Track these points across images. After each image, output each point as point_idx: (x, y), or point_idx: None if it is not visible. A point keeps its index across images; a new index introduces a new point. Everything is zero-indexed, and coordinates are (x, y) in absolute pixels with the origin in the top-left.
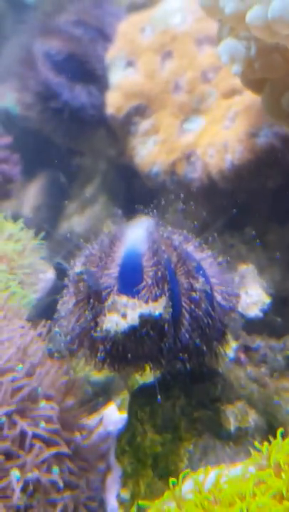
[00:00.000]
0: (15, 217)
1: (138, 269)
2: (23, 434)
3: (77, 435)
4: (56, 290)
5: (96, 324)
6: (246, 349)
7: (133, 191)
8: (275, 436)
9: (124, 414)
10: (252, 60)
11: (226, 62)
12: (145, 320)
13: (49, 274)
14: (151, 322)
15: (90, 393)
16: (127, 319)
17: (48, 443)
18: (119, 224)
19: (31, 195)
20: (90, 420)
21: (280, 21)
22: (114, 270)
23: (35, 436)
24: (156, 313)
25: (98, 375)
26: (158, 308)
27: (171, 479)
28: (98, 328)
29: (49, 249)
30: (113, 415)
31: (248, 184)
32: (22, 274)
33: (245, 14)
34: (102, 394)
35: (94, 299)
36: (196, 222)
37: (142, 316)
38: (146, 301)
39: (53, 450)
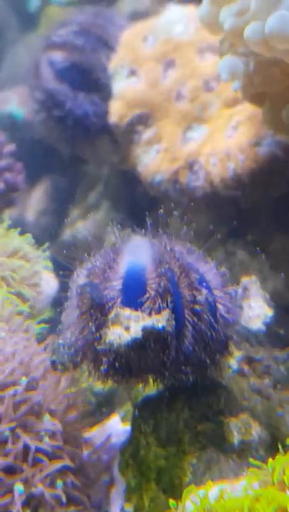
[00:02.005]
0: (18, 223)
1: (141, 281)
2: (26, 449)
3: (82, 449)
4: (59, 301)
5: (99, 336)
6: (249, 360)
7: (136, 197)
8: (278, 450)
9: (128, 427)
10: (251, 75)
11: (226, 79)
12: (148, 333)
13: (52, 284)
14: (154, 335)
15: (93, 404)
16: (130, 332)
17: (51, 457)
18: (122, 234)
19: (35, 200)
20: (94, 431)
21: (277, 36)
22: (117, 282)
23: (38, 450)
24: (159, 325)
25: (102, 386)
26: (161, 320)
27: (172, 501)
28: (101, 341)
29: (52, 257)
30: (117, 427)
31: (251, 193)
32: (27, 289)
33: (244, 30)
34: (105, 404)
35: (97, 311)
36: (198, 231)
37: (145, 329)
38: (150, 314)
39: (57, 465)
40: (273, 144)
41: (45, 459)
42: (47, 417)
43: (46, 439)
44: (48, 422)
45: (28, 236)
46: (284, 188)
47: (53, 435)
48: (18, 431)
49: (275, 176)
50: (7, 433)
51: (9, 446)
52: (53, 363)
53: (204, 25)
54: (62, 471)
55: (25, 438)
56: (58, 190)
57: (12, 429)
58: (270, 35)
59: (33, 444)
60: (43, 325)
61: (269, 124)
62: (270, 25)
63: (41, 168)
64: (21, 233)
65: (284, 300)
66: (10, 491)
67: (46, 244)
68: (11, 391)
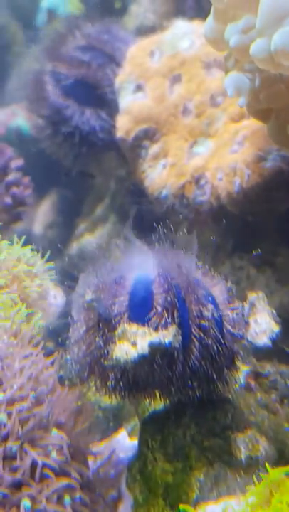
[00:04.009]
0: (25, 236)
1: (148, 296)
2: (33, 464)
3: (90, 462)
4: (67, 315)
5: (106, 352)
6: (256, 375)
7: (142, 211)
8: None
9: (135, 441)
10: (257, 91)
11: (232, 95)
12: (155, 348)
13: (60, 299)
14: (161, 350)
15: (100, 419)
16: (137, 348)
17: (59, 472)
18: (129, 248)
19: (42, 213)
20: (102, 447)
21: (283, 52)
22: (124, 298)
23: (46, 465)
24: (166, 341)
25: (109, 401)
26: (168, 336)
27: None
28: (108, 357)
29: (59, 271)
30: (124, 442)
31: (257, 207)
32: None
33: (249, 47)
34: (113, 419)
35: (104, 326)
36: (204, 245)
37: (151, 345)
38: (156, 329)
39: (64, 481)
40: (279, 158)
41: (52, 474)
42: (54, 431)
43: (54, 454)
44: (56, 436)
45: (35, 251)
46: None
47: (60, 450)
48: (26, 446)
49: (281, 190)
50: (15, 449)
51: (18, 462)
52: (61, 379)
53: (209, 42)
54: (70, 487)
55: (33, 453)
56: (65, 204)
57: (20, 445)
58: (276, 51)
59: (40, 459)
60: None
61: (274, 139)
62: (275, 42)
63: (48, 182)
64: (28, 247)
65: None
66: (16, 505)
67: (51, 255)
68: (18, 407)
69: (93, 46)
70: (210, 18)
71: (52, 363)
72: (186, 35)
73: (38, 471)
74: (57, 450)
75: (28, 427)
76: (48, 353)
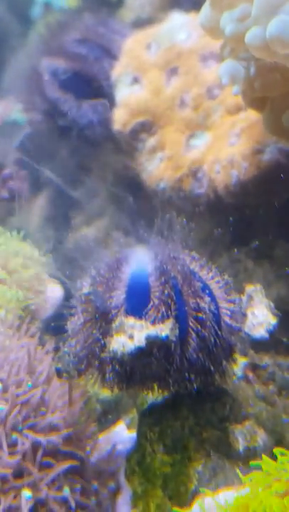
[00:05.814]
0: (22, 230)
1: (145, 289)
2: (34, 449)
3: (87, 449)
4: (64, 308)
5: (104, 345)
6: (254, 367)
7: (140, 204)
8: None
9: (134, 433)
10: (251, 79)
11: (227, 83)
12: (152, 341)
13: (57, 292)
14: (158, 343)
15: (99, 411)
16: (134, 341)
17: (58, 456)
18: (125, 241)
19: (38, 207)
20: (100, 438)
21: (278, 41)
22: (121, 291)
23: (46, 453)
24: (163, 335)
25: (107, 393)
26: (165, 329)
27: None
28: (106, 349)
29: (57, 264)
30: (122, 434)
31: (255, 200)
32: (29, 290)
33: (245, 35)
34: (111, 412)
35: (101, 319)
36: (202, 238)
37: (148, 338)
38: (153, 322)
39: (65, 465)
40: (276, 150)
41: (52, 461)
42: (51, 417)
43: (53, 437)
44: (54, 419)
45: (32, 245)
46: (287, 195)
47: (58, 430)
48: (26, 431)
49: (279, 183)
50: (15, 435)
51: (19, 447)
52: (58, 371)
53: (205, 30)
54: (70, 476)
55: (33, 437)
56: (61, 197)
57: (19, 431)
58: (271, 39)
59: (44, 439)
60: None
61: (270, 129)
62: (270, 30)
63: (45, 175)
64: (25, 240)
65: (287, 306)
66: (18, 493)
67: (49, 249)
68: (15, 394)
69: (90, 39)
70: (206, 6)
71: (47, 353)
72: (182, 27)
73: (40, 452)
74: (56, 431)
75: (26, 414)
76: (46, 345)
